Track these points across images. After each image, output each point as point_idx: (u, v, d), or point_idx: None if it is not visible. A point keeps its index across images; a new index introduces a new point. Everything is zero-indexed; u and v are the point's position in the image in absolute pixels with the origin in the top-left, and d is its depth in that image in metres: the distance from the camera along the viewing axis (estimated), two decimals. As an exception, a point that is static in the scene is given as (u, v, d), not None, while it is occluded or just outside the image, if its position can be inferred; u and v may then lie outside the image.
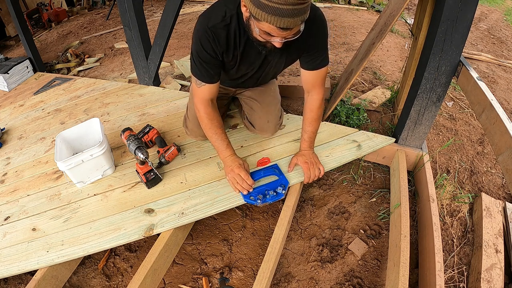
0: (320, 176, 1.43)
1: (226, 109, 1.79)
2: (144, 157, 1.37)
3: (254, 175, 1.41)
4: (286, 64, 1.37)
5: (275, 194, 1.34)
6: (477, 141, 1.99)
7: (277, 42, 1.00)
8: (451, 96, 2.43)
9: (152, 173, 1.43)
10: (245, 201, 1.33)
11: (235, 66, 1.28)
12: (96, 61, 3.44)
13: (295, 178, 1.44)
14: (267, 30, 0.96)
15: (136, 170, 1.47)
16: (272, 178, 1.43)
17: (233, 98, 1.78)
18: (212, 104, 1.31)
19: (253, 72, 1.37)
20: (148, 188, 1.45)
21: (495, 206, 1.45)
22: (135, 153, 1.39)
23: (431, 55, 1.28)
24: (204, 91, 1.25)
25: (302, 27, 0.97)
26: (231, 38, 1.14)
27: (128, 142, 1.43)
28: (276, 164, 1.48)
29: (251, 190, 1.35)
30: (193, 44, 1.16)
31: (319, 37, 1.19)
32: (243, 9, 1.01)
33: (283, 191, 1.35)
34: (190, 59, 1.22)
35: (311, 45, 1.20)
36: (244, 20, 1.06)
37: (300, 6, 0.88)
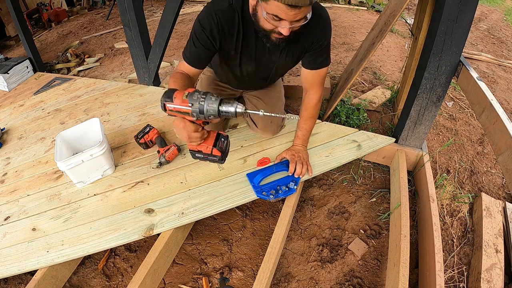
0: (310, 176, 1.43)
1: None
2: (243, 109, 0.98)
3: (266, 171, 1.42)
4: (291, 64, 1.36)
5: (287, 189, 1.35)
6: (477, 141, 1.99)
7: (284, 29, 0.96)
8: (451, 96, 2.43)
9: (223, 139, 1.13)
10: (257, 196, 1.34)
11: (237, 58, 1.26)
12: (96, 61, 3.44)
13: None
14: (274, 12, 0.91)
15: (192, 151, 1.14)
16: (284, 173, 1.43)
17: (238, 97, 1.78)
18: (189, 76, 1.20)
19: (257, 70, 1.35)
20: (222, 162, 1.17)
21: (495, 206, 1.45)
22: (220, 112, 0.97)
23: (431, 55, 1.28)
24: (185, 65, 1.19)
25: (309, 15, 0.95)
26: (235, 25, 1.13)
27: (192, 102, 0.97)
28: (286, 160, 1.48)
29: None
30: (194, 26, 1.13)
31: (322, 38, 1.19)
32: None
33: (295, 187, 1.36)
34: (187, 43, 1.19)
35: (314, 44, 1.20)
36: (251, 9, 1.04)
37: None
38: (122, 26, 3.03)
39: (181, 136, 1.07)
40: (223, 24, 1.10)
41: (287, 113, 1.81)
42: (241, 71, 1.36)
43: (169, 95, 1.00)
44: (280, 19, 0.94)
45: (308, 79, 1.32)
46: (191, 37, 1.16)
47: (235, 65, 1.32)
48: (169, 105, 1.00)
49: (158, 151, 1.60)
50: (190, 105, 0.97)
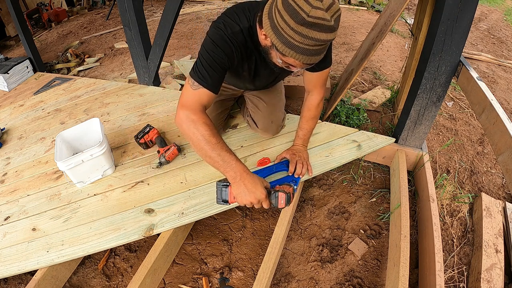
0: (310, 176, 1.43)
1: (230, 110, 1.78)
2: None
3: (265, 171, 1.42)
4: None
5: None
6: (477, 141, 1.99)
7: (296, 68, 1.01)
8: (451, 96, 2.43)
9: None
10: None
11: (248, 77, 1.30)
12: (96, 61, 3.44)
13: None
14: (290, 63, 0.96)
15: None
16: (284, 173, 1.43)
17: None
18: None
19: (264, 80, 1.40)
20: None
21: (495, 206, 1.45)
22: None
23: (431, 55, 1.28)
24: (202, 94, 1.07)
25: None
26: (248, 51, 1.13)
27: None
28: (286, 160, 1.48)
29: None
30: (206, 46, 1.06)
31: None
32: (262, 36, 1.00)
33: (295, 187, 1.35)
34: (196, 62, 1.09)
35: None
36: (262, 45, 1.04)
37: (327, 44, 0.89)
38: (122, 26, 3.03)
39: (247, 200, 1.07)
40: (241, 48, 1.10)
41: (287, 113, 1.81)
42: (249, 83, 1.39)
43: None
44: (295, 66, 0.99)
45: (310, 81, 1.33)
46: (206, 61, 1.06)
47: (245, 80, 1.35)
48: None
49: (158, 151, 1.60)
50: None
